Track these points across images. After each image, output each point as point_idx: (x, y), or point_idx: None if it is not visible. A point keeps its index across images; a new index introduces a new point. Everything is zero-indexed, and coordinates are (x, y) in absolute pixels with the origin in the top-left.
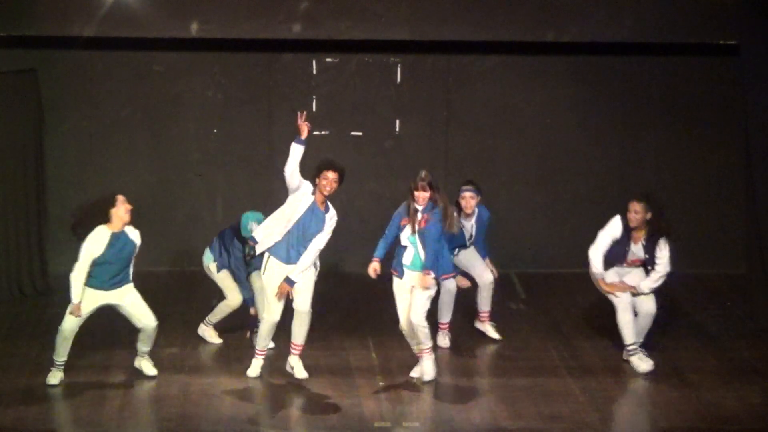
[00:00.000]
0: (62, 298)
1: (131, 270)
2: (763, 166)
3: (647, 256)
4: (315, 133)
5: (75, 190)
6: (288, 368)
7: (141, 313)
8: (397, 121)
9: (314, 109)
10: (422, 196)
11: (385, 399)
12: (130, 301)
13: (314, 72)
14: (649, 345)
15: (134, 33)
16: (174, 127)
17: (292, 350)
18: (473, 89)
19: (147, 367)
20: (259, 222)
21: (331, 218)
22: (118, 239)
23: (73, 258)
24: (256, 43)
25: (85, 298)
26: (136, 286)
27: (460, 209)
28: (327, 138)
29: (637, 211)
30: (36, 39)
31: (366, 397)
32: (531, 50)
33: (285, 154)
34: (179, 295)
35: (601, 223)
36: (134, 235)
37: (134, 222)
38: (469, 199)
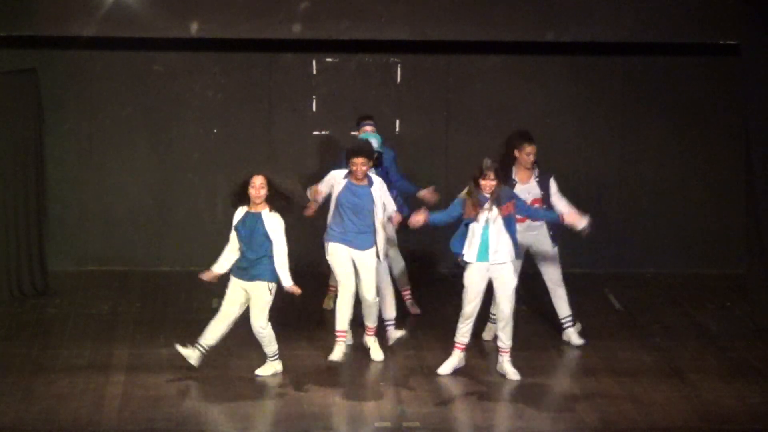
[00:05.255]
0: (62, 298)
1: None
2: (763, 166)
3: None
4: (315, 133)
5: (75, 190)
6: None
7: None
8: (397, 121)
9: (314, 109)
10: (489, 185)
11: (385, 399)
12: None
13: (314, 72)
14: (649, 345)
15: (134, 33)
16: (174, 127)
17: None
18: (473, 89)
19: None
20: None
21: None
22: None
23: (73, 257)
24: (256, 43)
25: None
26: (135, 286)
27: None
28: (327, 138)
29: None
30: (36, 39)
31: (366, 397)
32: (531, 50)
33: (285, 154)
34: (179, 295)
35: (601, 223)
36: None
37: (134, 222)
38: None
